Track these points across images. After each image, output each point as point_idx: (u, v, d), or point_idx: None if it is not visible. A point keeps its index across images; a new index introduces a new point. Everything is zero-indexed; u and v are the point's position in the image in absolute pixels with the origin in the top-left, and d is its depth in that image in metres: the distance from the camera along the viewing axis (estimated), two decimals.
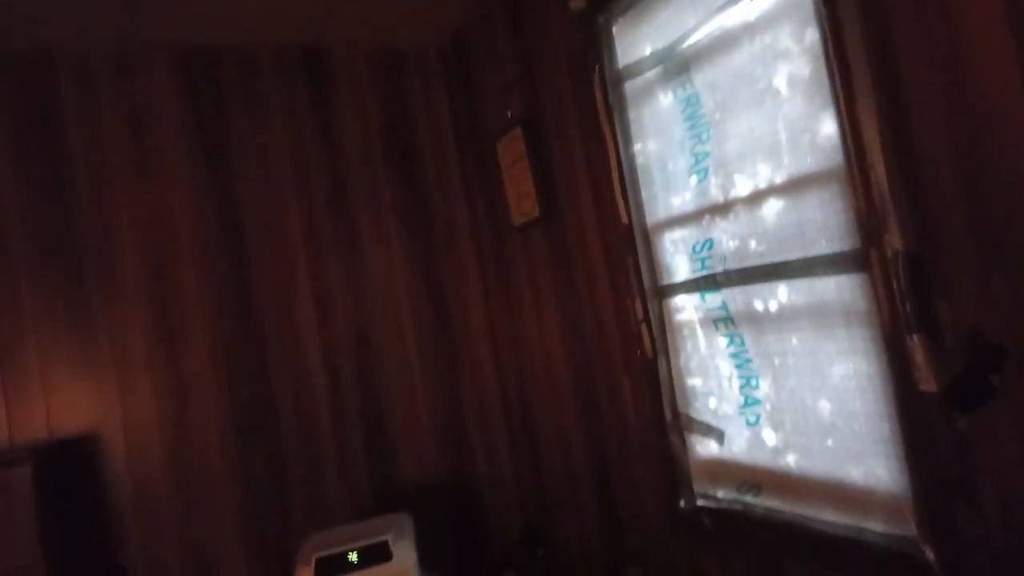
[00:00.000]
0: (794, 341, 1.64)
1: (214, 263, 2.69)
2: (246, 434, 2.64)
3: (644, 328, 2.12)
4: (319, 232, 2.90)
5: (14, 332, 2.36)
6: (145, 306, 2.56)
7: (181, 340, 2.59)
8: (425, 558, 1.86)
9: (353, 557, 1.79)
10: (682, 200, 1.94)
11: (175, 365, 2.57)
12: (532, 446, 3.00)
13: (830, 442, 1.57)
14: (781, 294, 1.64)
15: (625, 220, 2.12)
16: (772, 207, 1.62)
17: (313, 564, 1.76)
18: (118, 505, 2.43)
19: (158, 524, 2.47)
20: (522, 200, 2.74)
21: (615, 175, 2.13)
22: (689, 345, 2.03)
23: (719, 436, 1.95)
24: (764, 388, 1.76)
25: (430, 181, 3.17)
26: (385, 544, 1.82)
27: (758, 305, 1.73)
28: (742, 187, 1.69)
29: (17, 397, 2.33)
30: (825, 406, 1.57)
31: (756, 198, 1.66)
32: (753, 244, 1.69)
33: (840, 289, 1.50)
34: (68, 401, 2.40)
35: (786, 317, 1.65)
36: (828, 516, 1.59)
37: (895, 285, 1.30)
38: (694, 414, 2.04)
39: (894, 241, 1.30)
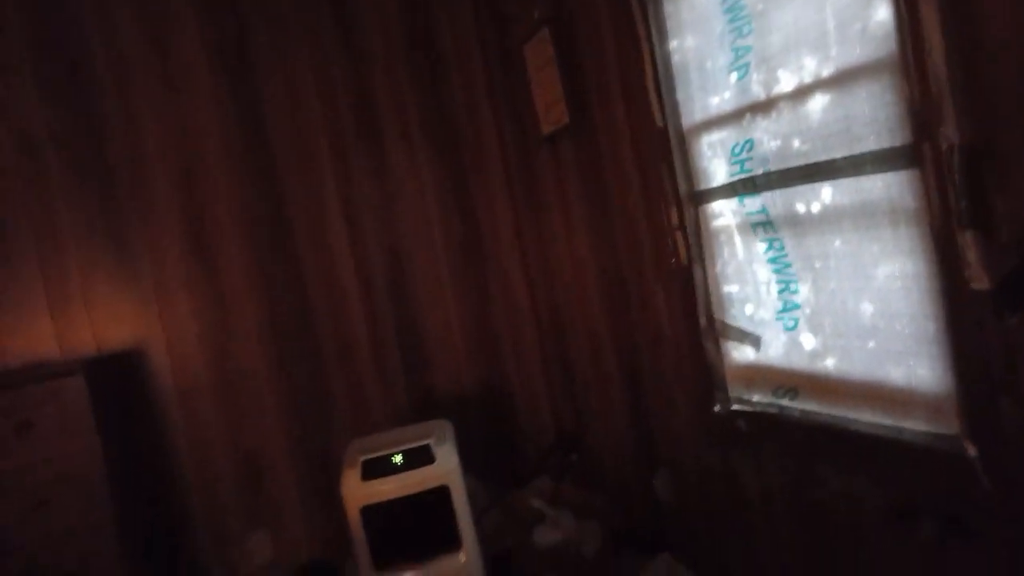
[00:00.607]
0: (836, 243, 1.61)
1: (244, 180, 2.71)
2: (285, 348, 2.73)
3: (679, 235, 2.10)
4: (346, 150, 2.89)
5: (55, 253, 2.43)
6: (178, 223, 2.60)
7: (216, 256, 2.65)
8: (462, 464, 1.94)
9: (397, 459, 1.87)
10: (721, 100, 1.88)
11: (212, 281, 2.64)
12: (563, 356, 3.05)
13: (871, 344, 1.57)
14: (824, 195, 1.61)
15: (660, 123, 2.06)
16: (818, 103, 1.56)
17: (360, 466, 1.86)
18: (166, 416, 2.55)
19: (206, 434, 2.60)
20: (551, 108, 2.67)
21: (649, 76, 2.06)
22: (726, 251, 2.02)
23: (755, 342, 1.97)
24: (803, 292, 1.75)
25: (456, 94, 3.10)
26: (428, 448, 1.90)
27: (800, 207, 1.70)
28: (786, 82, 1.63)
29: (63, 315, 2.42)
30: (867, 308, 1.57)
31: (801, 94, 1.60)
32: (796, 143, 1.64)
33: (888, 187, 1.46)
34: (111, 317, 2.49)
35: (829, 219, 1.62)
36: (866, 417, 1.62)
37: (948, 180, 1.27)
38: (730, 321, 2.04)
39: (949, 133, 1.26)
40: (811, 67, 1.55)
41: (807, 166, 1.62)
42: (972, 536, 1.34)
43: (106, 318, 2.49)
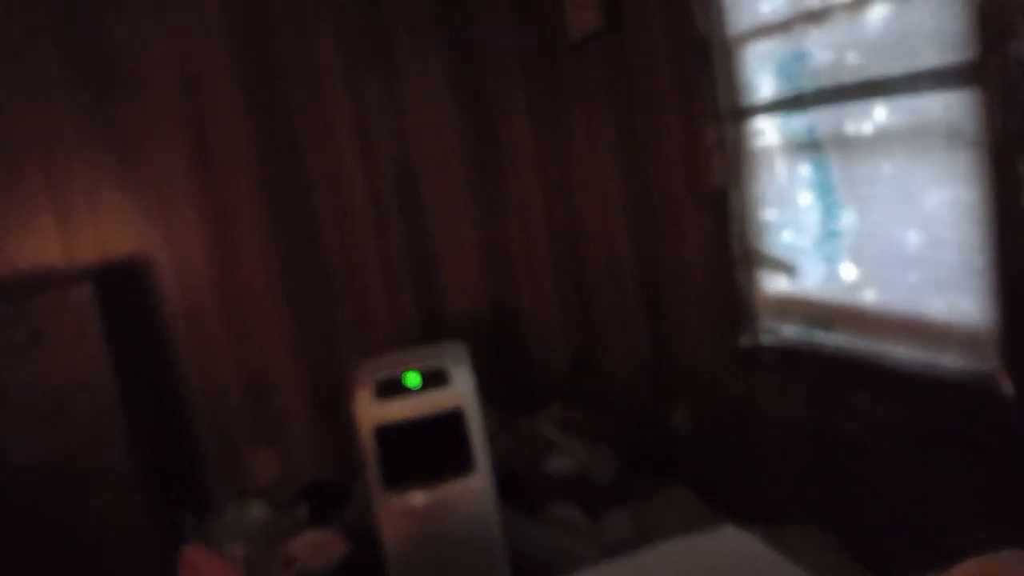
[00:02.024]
0: (886, 167, 1.61)
1: (249, 87, 2.69)
2: (291, 263, 2.78)
3: (717, 154, 2.10)
4: (353, 49, 2.84)
5: (61, 161, 2.47)
6: (181, 132, 2.62)
7: (220, 167, 2.67)
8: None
9: (412, 380, 1.94)
10: (772, 6, 1.84)
11: (216, 191, 2.67)
12: (580, 281, 3.09)
13: (914, 275, 1.59)
14: (877, 114, 1.60)
15: (702, 30, 2.02)
16: (877, 13, 1.53)
17: (373, 386, 1.93)
18: (172, 330, 2.63)
19: (211, 347, 2.69)
20: (581, 10, 2.61)
21: None
22: (765, 174, 2.02)
23: (791, 271, 1.99)
24: (847, 220, 1.77)
25: None
26: (443, 370, 1.96)
27: (849, 128, 1.69)
28: None
29: (69, 222, 2.48)
30: (913, 237, 1.58)
31: (859, 2, 1.56)
32: (851, 57, 1.62)
33: (946, 107, 1.45)
34: (116, 227, 2.55)
35: (880, 141, 1.61)
36: (901, 351, 1.66)
37: (1014, 100, 1.26)
38: (765, 248, 2.06)
39: (1021, 48, 1.24)
40: None
41: (861, 83, 1.60)
42: (998, 465, 1.40)
43: (111, 227, 2.54)
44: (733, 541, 1.20)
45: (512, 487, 2.33)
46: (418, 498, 1.95)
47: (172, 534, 2.45)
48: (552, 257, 3.21)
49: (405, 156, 2.94)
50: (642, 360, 2.74)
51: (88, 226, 2.50)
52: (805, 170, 1.87)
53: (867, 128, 1.63)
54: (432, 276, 3.01)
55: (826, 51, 1.68)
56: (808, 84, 1.76)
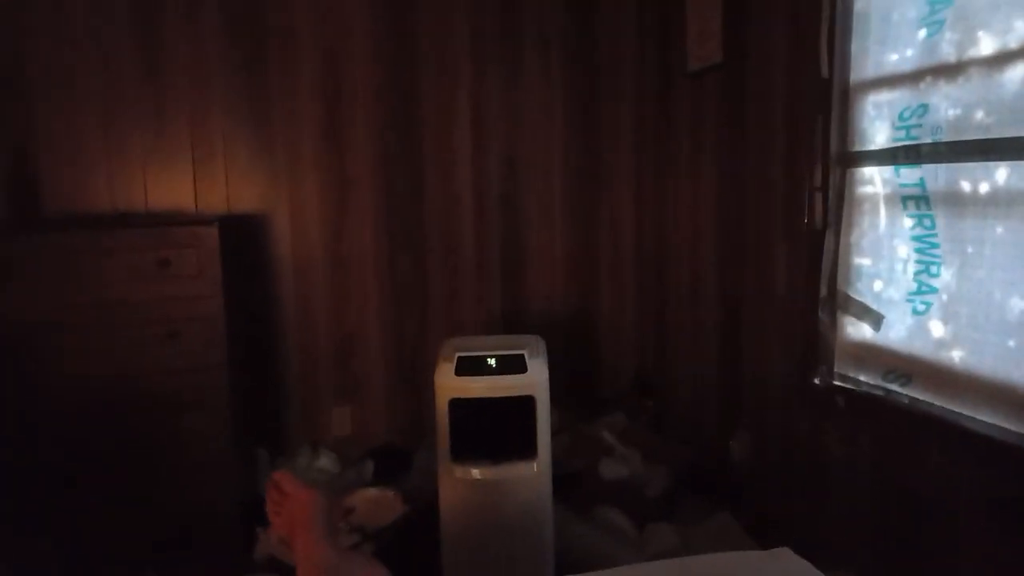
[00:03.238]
0: (998, 230, 1.53)
1: (382, 69, 2.78)
2: (396, 238, 2.85)
3: (819, 196, 2.03)
4: (485, 53, 2.90)
5: (204, 107, 2.60)
6: (316, 102, 2.72)
7: (346, 140, 2.76)
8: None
9: (492, 362, 1.95)
10: (900, 57, 1.77)
11: (339, 163, 2.76)
12: (660, 298, 3.05)
13: (1011, 342, 1.50)
14: (998, 175, 1.51)
15: (825, 73, 1.97)
16: (1019, 72, 1.45)
17: (455, 361, 1.95)
18: (280, 284, 2.74)
19: (311, 304, 2.78)
20: (704, 41, 2.58)
21: (824, 19, 1.96)
22: (866, 222, 1.94)
23: (877, 320, 1.91)
24: (944, 277, 1.68)
25: (603, 10, 3.03)
26: (522, 357, 1.97)
27: (964, 185, 1.60)
28: (985, 45, 1.52)
29: (203, 172, 2.62)
30: (1017, 304, 1.49)
31: (1000, 60, 1.48)
32: (979, 115, 1.54)
33: None
34: (245, 183, 2.67)
35: (996, 202, 1.53)
36: (985, 416, 1.56)
37: None
38: (853, 294, 1.99)
39: None
40: (1022, 31, 1.44)
41: (986, 140, 1.52)
42: None
43: (240, 184, 2.66)
44: (790, 564, 1.15)
45: (566, 484, 2.31)
46: (480, 473, 1.96)
47: (249, 466, 2.55)
48: (636, 272, 3.18)
49: (512, 156, 2.98)
50: (710, 384, 2.68)
51: (220, 180, 2.63)
52: (908, 222, 1.79)
53: (983, 188, 1.55)
54: (520, 272, 3.03)
55: (953, 105, 1.61)
56: (926, 137, 1.69)
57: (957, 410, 1.63)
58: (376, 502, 2.32)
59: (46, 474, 2.05)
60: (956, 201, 1.63)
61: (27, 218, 2.44)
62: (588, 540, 2.12)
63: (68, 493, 2.07)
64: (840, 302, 2.02)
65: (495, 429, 2.02)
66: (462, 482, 1.97)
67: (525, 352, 2.01)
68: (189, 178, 2.61)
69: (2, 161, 2.42)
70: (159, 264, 2.08)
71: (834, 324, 2.04)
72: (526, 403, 1.97)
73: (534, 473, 1.98)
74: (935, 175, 1.69)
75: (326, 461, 2.69)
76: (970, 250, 1.60)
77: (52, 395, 2.04)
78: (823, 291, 2.04)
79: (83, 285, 2.06)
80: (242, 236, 2.62)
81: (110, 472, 2.11)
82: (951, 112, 1.61)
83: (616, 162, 3.12)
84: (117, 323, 2.08)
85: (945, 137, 1.63)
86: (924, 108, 1.70)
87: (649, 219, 3.11)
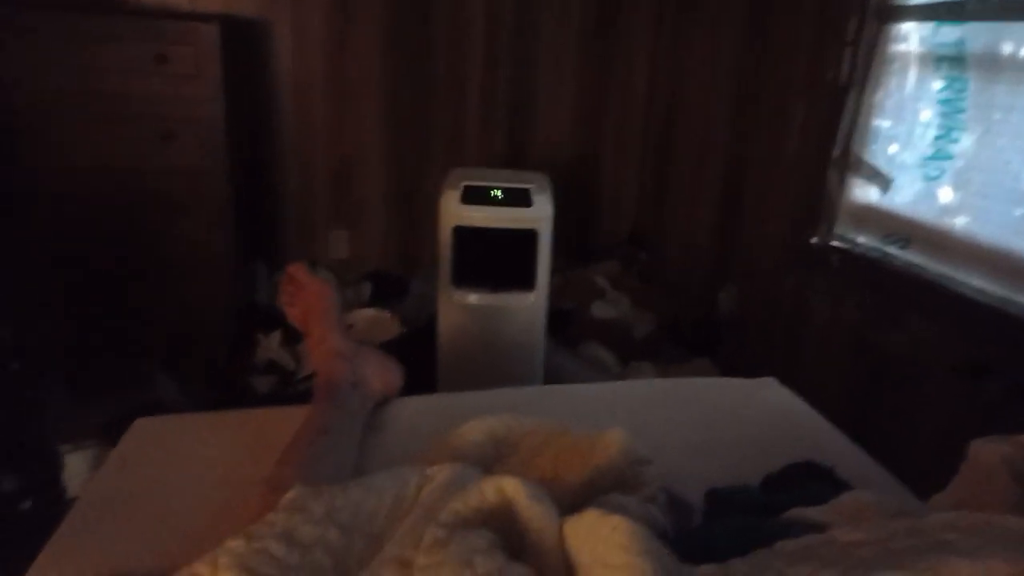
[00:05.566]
0: None
1: None
2: (402, 61, 2.72)
3: (848, 51, 1.95)
4: None
5: None
6: None
7: None
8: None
9: (497, 193, 1.94)
10: None
11: None
12: (665, 154, 3.00)
13: (1019, 211, 1.51)
14: None
15: None
16: None
17: (461, 189, 1.93)
18: (279, 99, 2.64)
19: (311, 121, 2.69)
20: None
21: None
22: (893, 82, 1.88)
23: (886, 183, 1.90)
24: (964, 143, 1.66)
25: None
26: (528, 192, 1.96)
27: (1006, 47, 1.54)
28: None
29: None
30: None
31: None
32: None
33: None
34: None
35: None
36: (975, 281, 1.60)
37: None
38: (866, 156, 1.96)
39: None
40: None
41: None
42: None
43: None
44: (774, 392, 1.22)
45: (558, 320, 2.39)
46: (478, 299, 2.01)
47: (246, 278, 2.58)
48: (644, 126, 3.11)
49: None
50: (705, 241, 2.70)
51: None
52: (937, 85, 1.73)
53: None
54: (528, 117, 2.94)
55: None
56: None
57: (949, 274, 1.67)
58: (374, 321, 2.39)
59: (40, 266, 2.05)
60: (993, 64, 1.58)
61: None
62: (574, 369, 2.23)
63: (63, 289, 2.09)
64: (852, 163, 2.00)
65: (496, 260, 2.05)
66: (460, 306, 2.02)
67: (531, 187, 1.99)
68: None
69: None
70: (156, 60, 1.98)
71: (841, 185, 2.03)
72: (528, 236, 1.98)
73: (531, 303, 2.03)
74: (977, 35, 1.62)
75: (325, 277, 2.74)
76: (997, 116, 1.57)
77: (45, 185, 2.01)
78: (836, 150, 2.02)
79: (76, 73, 1.97)
80: (242, 42, 2.49)
81: (106, 272, 2.12)
82: None
83: (633, 9, 2.94)
84: (112, 117, 2.01)
85: None
86: None
87: (664, 73, 2.99)
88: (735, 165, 2.51)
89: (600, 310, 2.56)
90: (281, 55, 2.60)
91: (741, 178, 2.47)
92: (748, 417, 1.10)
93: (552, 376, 2.16)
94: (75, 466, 1.47)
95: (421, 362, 2.14)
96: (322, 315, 1.13)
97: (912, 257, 1.79)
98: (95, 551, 0.80)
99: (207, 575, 0.58)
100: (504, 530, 0.61)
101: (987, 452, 0.62)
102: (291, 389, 2.14)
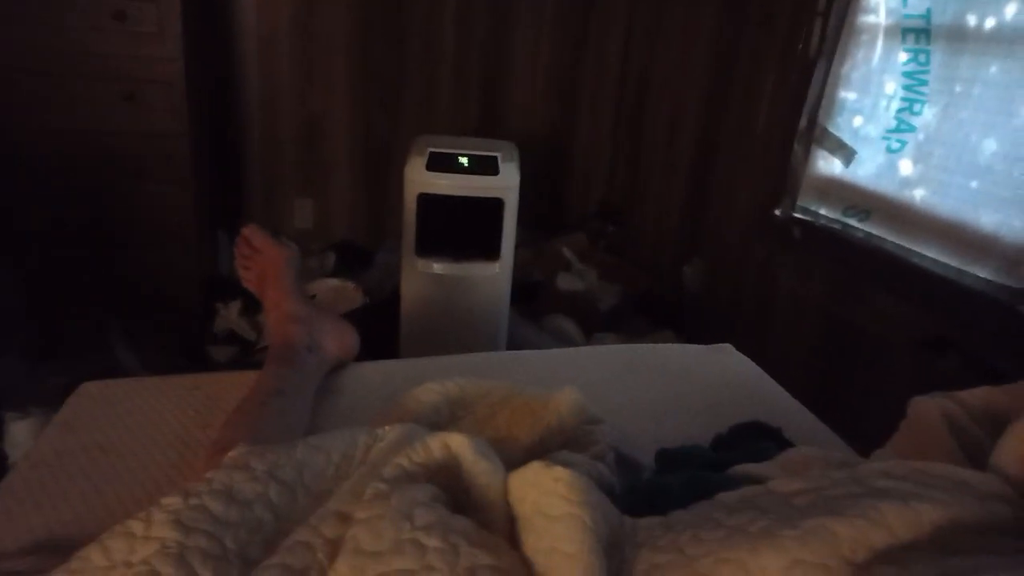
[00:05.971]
0: (992, 69, 1.50)
1: None
2: (372, 24, 2.65)
3: (819, 22, 1.95)
4: None
5: None
6: None
7: None
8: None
9: (464, 161, 1.92)
10: None
11: None
12: (637, 130, 2.99)
13: (975, 184, 1.53)
14: (1008, 10, 1.46)
15: None
16: None
17: (427, 155, 1.91)
18: (244, 56, 2.56)
19: (276, 84, 2.62)
20: None
21: None
22: (860, 54, 1.89)
23: (849, 156, 1.92)
24: (926, 116, 1.67)
25: None
26: (495, 160, 1.94)
27: (971, 19, 1.55)
28: None
29: None
30: (990, 146, 1.50)
31: None
32: None
33: None
34: None
35: (999, 39, 1.49)
36: (933, 253, 1.63)
37: None
38: (832, 128, 1.97)
39: None
40: None
41: None
42: (992, 379, 1.42)
43: None
44: (731, 358, 1.23)
45: (523, 292, 2.38)
46: (442, 268, 1.99)
47: (210, 244, 2.53)
48: (616, 99, 3.08)
49: None
50: (673, 217, 2.71)
51: None
52: (903, 56, 1.74)
53: (990, 23, 1.50)
54: (500, 85, 2.90)
55: None
56: None
57: (907, 246, 1.69)
58: (337, 291, 2.36)
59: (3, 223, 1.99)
60: (957, 36, 1.59)
61: None
62: (537, 341, 2.23)
63: (20, 253, 2.03)
64: (817, 135, 2.01)
65: (461, 228, 2.04)
66: (424, 276, 2.00)
67: (499, 155, 1.97)
68: None
69: None
70: (114, 16, 1.90)
71: (806, 157, 2.05)
72: (494, 205, 1.97)
73: (495, 273, 2.02)
74: (944, 6, 1.63)
75: (287, 244, 2.69)
76: (958, 89, 1.58)
77: (10, 142, 1.95)
78: (802, 122, 2.02)
79: (36, 27, 1.89)
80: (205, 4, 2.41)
81: (70, 230, 2.06)
82: None
83: None
84: (74, 75, 1.94)
85: None
86: None
87: (638, 47, 2.96)
88: (707, 138, 2.51)
89: (566, 282, 2.56)
90: (246, 9, 2.52)
91: (713, 151, 2.48)
92: (703, 381, 1.11)
93: (515, 347, 2.16)
94: (19, 434, 1.43)
95: (384, 333, 2.13)
96: (277, 278, 1.11)
97: (871, 229, 1.81)
98: (33, 514, 0.78)
99: (141, 531, 0.57)
100: (450, 486, 0.61)
101: (927, 407, 0.63)
102: (250, 359, 2.11)
